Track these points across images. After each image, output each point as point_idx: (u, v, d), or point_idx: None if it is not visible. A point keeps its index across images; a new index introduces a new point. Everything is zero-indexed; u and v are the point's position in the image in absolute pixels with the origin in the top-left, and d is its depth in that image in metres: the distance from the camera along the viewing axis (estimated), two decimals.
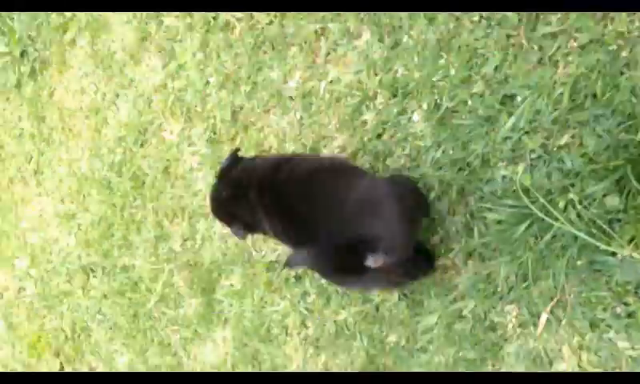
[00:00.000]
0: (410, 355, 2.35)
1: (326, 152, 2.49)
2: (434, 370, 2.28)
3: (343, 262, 1.94)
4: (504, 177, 2.11)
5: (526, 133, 2.07)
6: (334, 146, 2.48)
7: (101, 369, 3.21)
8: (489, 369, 2.20)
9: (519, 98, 2.09)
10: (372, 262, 1.88)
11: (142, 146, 3.05)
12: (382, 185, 2.04)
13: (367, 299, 2.42)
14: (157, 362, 3.01)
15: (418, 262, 2.19)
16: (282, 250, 2.61)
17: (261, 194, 2.02)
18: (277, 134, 2.62)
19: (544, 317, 2.09)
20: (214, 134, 2.80)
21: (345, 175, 2.08)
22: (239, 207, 2.09)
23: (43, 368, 3.39)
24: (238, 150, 2.21)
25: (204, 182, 2.83)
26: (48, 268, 3.41)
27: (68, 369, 3.32)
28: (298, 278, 2.59)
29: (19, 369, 3.52)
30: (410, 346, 2.35)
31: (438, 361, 2.28)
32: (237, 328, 2.77)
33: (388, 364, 2.39)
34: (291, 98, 2.58)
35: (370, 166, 2.37)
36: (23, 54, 3.52)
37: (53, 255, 3.39)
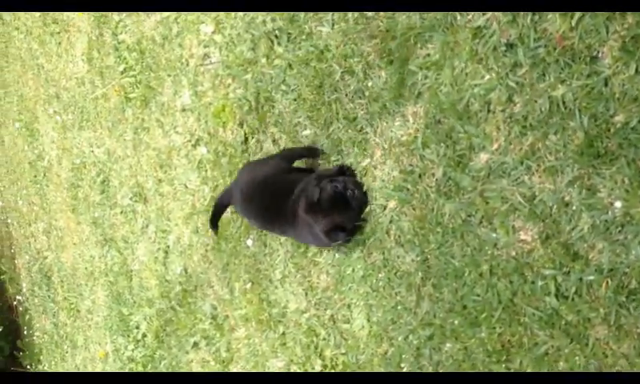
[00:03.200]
0: None
1: None
2: None
3: None
4: None
5: None
6: None
7: (284, 141, 3.13)
8: None
9: None
10: None
11: None
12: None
13: (595, 71, 2.06)
14: (339, 135, 2.87)
15: None
16: (492, 14, 2.28)
17: None
18: None
19: None
20: None
21: None
22: None
23: (228, 137, 3.38)
24: None
25: None
26: (232, 34, 3.29)
27: (252, 141, 3.28)
28: (510, 46, 2.25)
29: (205, 138, 3.54)
30: None
31: None
32: (431, 102, 2.52)
33: (611, 148, 2.06)
34: None
35: None
36: None
37: (237, 20, 3.25)
